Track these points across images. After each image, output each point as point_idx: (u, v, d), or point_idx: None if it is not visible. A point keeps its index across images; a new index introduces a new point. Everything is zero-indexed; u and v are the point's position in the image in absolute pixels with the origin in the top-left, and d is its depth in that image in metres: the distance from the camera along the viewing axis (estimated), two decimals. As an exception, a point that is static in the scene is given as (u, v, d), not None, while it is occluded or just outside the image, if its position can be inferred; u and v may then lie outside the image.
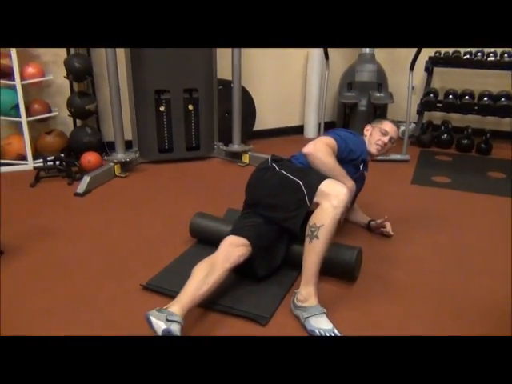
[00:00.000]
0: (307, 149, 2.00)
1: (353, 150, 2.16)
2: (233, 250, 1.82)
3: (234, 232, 1.92)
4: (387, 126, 2.32)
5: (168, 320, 1.50)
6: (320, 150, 1.99)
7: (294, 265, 1.98)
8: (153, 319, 1.51)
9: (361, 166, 2.26)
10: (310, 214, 1.82)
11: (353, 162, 2.19)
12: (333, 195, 1.76)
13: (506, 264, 2.21)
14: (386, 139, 2.29)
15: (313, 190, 1.82)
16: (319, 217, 1.75)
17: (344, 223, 2.56)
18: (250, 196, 2.10)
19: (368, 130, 2.37)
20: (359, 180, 2.30)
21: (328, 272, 1.96)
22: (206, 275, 1.69)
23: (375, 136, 2.30)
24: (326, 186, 1.81)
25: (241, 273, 1.94)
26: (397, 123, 2.42)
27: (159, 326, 1.49)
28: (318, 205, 1.79)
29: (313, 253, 1.74)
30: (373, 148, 2.30)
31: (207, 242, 2.21)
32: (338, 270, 2.00)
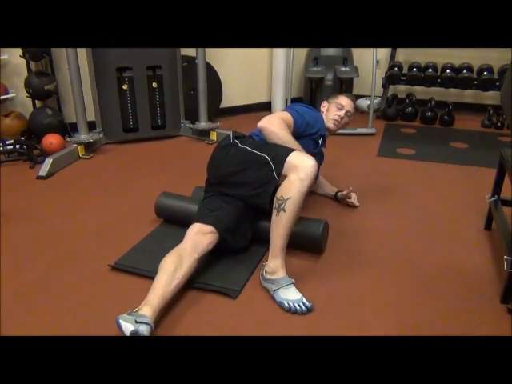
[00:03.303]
0: (261, 123, 1.99)
1: (310, 123, 2.17)
2: (200, 238, 1.79)
3: (199, 220, 1.86)
4: (343, 100, 2.35)
5: (137, 322, 1.45)
6: (274, 123, 1.99)
7: (263, 241, 1.97)
8: (122, 322, 1.46)
9: (320, 141, 2.29)
10: (277, 187, 1.81)
11: (311, 136, 2.21)
12: (300, 167, 1.73)
13: (469, 230, 2.29)
14: (342, 113, 2.32)
15: (281, 163, 1.78)
16: (286, 189, 1.72)
17: (311, 196, 2.59)
18: (214, 174, 2.03)
19: (325, 106, 2.40)
20: (318, 156, 2.30)
21: (295, 246, 1.98)
22: (174, 269, 1.64)
23: (332, 111, 2.34)
24: (293, 158, 1.77)
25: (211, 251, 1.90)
26: (353, 97, 2.44)
27: (127, 328, 1.44)
28: (285, 177, 1.77)
29: (280, 226, 1.74)
30: (330, 123, 2.33)
31: (173, 222, 2.22)
32: (305, 243, 2.03)
